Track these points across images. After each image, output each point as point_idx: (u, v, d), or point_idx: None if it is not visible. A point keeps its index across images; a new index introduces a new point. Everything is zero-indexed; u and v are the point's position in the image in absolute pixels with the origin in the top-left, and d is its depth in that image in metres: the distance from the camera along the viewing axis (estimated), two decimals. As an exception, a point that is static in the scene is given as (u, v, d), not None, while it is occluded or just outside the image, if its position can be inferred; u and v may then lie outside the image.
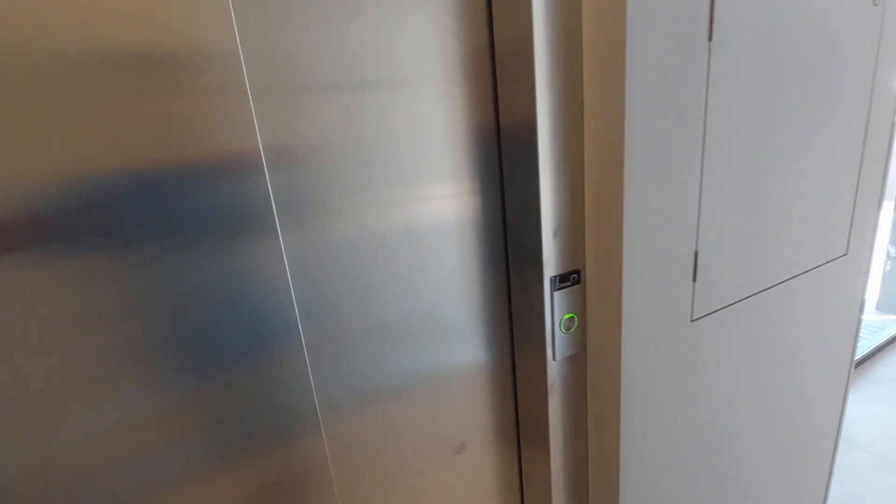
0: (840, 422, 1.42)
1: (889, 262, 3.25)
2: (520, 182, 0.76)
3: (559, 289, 0.80)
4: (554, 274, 0.79)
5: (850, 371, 1.36)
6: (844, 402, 1.40)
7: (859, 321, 1.31)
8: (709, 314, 0.90)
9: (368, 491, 0.80)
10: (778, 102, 0.86)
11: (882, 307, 3.21)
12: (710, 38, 0.73)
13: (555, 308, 0.81)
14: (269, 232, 0.62)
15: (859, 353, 2.72)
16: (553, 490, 0.92)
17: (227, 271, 0.60)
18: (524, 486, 1.00)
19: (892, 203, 2.83)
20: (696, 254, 0.83)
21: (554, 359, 0.84)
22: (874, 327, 2.92)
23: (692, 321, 0.88)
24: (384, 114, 0.67)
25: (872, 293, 3.46)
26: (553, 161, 0.73)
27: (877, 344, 2.77)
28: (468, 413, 0.90)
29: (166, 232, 0.56)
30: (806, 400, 1.25)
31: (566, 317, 0.83)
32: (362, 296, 0.72)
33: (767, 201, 0.91)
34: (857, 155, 1.07)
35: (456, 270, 0.79)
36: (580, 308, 0.84)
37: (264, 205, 0.61)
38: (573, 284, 0.82)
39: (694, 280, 0.85)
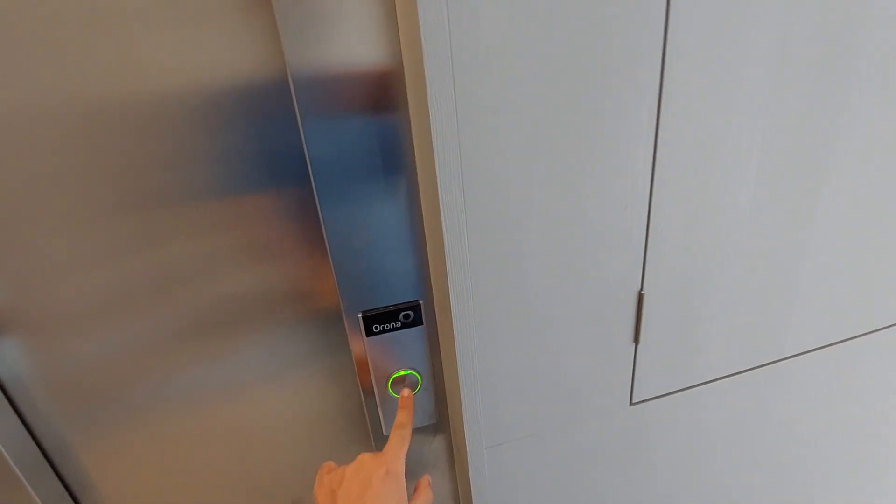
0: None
1: None
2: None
3: (375, 333, 0.47)
4: (364, 310, 0.46)
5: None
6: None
7: None
8: (666, 395, 0.51)
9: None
10: None
11: None
12: None
13: (372, 361, 0.48)
14: None
15: None
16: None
17: None
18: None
19: None
20: (640, 296, 0.45)
21: (384, 432, 0.53)
22: None
23: (632, 405, 0.50)
24: None
25: None
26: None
27: None
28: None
29: None
30: None
31: (396, 374, 0.50)
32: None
33: (815, 205, 0.47)
34: None
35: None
36: (429, 361, 0.50)
37: None
38: (406, 326, 0.48)
39: (636, 341, 0.47)
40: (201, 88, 0.37)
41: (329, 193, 0.41)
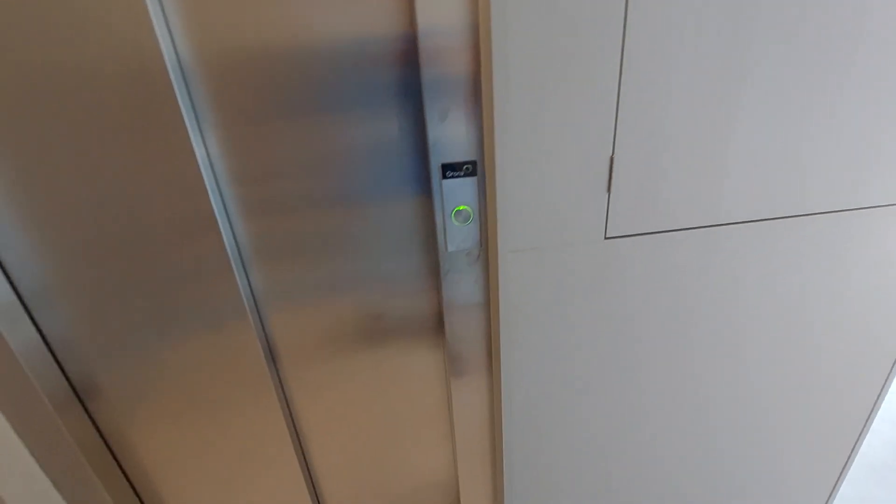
0: (865, 425, 1.15)
1: None
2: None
3: (447, 177, 0.78)
4: (443, 162, 0.77)
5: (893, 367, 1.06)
6: (879, 398, 1.12)
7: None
8: (633, 235, 0.79)
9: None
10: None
11: None
12: None
13: (444, 197, 0.79)
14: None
15: None
16: (450, 376, 0.97)
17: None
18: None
19: None
20: (611, 160, 0.72)
21: (446, 249, 0.84)
22: None
23: (606, 239, 0.78)
24: None
25: None
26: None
27: None
28: (390, 291, 0.96)
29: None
30: (810, 386, 1.04)
31: (457, 208, 0.81)
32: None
33: (753, 102, 0.72)
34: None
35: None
36: (478, 202, 0.81)
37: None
38: (466, 175, 0.78)
39: (609, 191, 0.75)
40: (348, 39, 0.68)
41: (432, 102, 0.72)
